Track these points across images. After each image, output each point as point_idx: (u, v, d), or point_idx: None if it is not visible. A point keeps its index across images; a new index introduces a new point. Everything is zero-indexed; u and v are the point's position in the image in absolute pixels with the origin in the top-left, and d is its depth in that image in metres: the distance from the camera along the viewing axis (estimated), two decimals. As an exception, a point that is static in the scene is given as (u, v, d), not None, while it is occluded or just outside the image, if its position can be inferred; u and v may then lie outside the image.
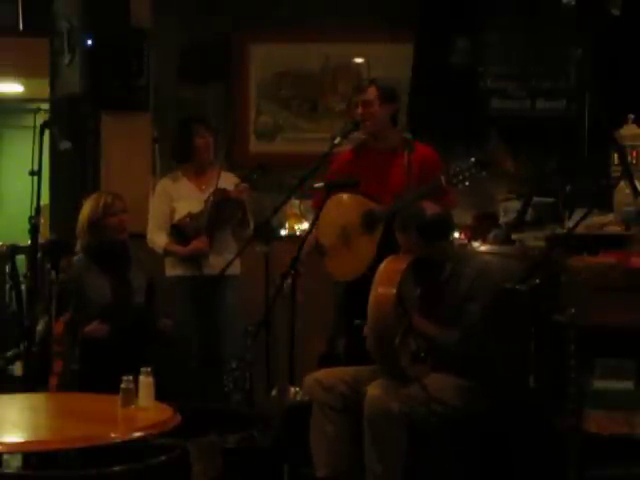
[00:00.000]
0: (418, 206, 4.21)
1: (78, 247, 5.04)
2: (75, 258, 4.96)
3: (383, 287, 3.99)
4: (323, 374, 4.29)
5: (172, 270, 5.29)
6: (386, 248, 4.55)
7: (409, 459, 3.98)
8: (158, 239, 5.26)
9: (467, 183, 4.52)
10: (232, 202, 5.20)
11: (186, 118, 5.50)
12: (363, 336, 4.12)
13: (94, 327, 4.77)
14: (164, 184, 5.39)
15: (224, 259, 5.08)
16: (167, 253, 5.26)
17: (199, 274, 5.19)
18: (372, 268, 4.53)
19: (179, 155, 5.39)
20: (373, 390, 4.00)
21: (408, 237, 4.15)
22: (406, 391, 3.97)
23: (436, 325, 4.10)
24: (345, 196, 4.83)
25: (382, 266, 4.09)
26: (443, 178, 4.53)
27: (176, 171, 5.40)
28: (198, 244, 5.16)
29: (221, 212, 5.20)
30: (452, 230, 4.41)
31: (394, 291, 3.94)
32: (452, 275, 4.19)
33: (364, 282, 4.23)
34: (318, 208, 4.82)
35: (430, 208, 4.17)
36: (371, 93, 4.89)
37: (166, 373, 4.17)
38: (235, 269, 5.15)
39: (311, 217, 5.07)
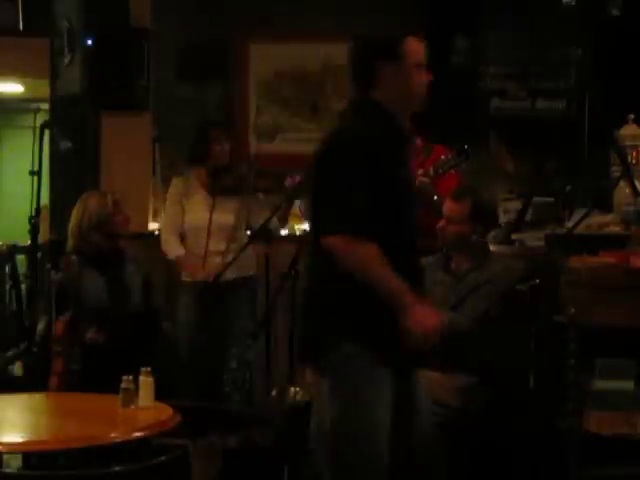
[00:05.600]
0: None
1: (70, 248, 4.94)
2: (72, 258, 4.92)
3: None
4: None
5: (186, 274, 5.27)
6: None
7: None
8: (172, 247, 5.23)
9: (452, 172, 4.66)
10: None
11: (205, 121, 5.45)
12: None
13: (91, 335, 4.73)
14: (176, 185, 5.34)
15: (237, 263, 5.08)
16: (177, 263, 5.23)
17: (210, 280, 5.11)
18: None
19: (194, 158, 5.33)
20: None
21: (459, 206, 4.19)
22: None
23: None
24: None
25: None
26: (431, 169, 4.63)
27: (189, 172, 5.35)
28: (205, 273, 5.12)
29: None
30: (496, 222, 4.45)
31: None
32: (477, 268, 4.19)
33: None
34: None
35: (488, 192, 4.27)
36: None
37: (166, 373, 4.17)
38: (249, 270, 5.16)
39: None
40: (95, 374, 4.49)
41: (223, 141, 5.24)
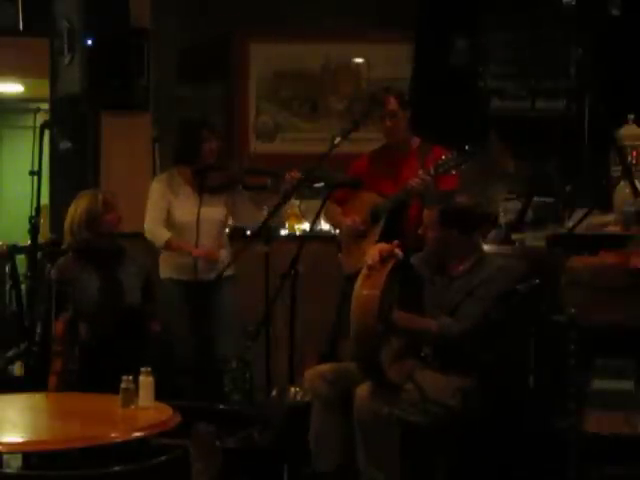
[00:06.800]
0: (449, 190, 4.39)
1: (66, 245, 4.94)
2: (63, 258, 4.90)
3: (367, 289, 3.99)
4: (326, 367, 4.29)
5: (166, 272, 5.26)
6: (387, 238, 4.59)
7: (406, 460, 3.98)
8: (158, 233, 5.16)
9: (453, 172, 4.67)
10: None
11: (194, 120, 5.40)
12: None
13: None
14: (161, 180, 5.30)
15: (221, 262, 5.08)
16: (168, 248, 5.19)
17: (194, 278, 5.13)
18: None
19: (183, 157, 5.29)
20: (361, 391, 3.99)
21: (430, 213, 4.21)
22: (396, 392, 3.96)
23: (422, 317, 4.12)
24: (362, 194, 4.94)
25: (364, 270, 4.11)
26: (432, 169, 4.66)
27: (172, 170, 5.33)
28: (210, 251, 5.13)
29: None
30: (475, 225, 4.38)
31: (379, 293, 3.95)
32: (470, 271, 4.18)
33: None
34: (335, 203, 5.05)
35: (463, 196, 4.24)
36: (393, 103, 4.90)
37: (165, 373, 4.17)
38: (228, 270, 5.11)
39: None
40: (85, 373, 4.49)
41: (213, 140, 5.22)
